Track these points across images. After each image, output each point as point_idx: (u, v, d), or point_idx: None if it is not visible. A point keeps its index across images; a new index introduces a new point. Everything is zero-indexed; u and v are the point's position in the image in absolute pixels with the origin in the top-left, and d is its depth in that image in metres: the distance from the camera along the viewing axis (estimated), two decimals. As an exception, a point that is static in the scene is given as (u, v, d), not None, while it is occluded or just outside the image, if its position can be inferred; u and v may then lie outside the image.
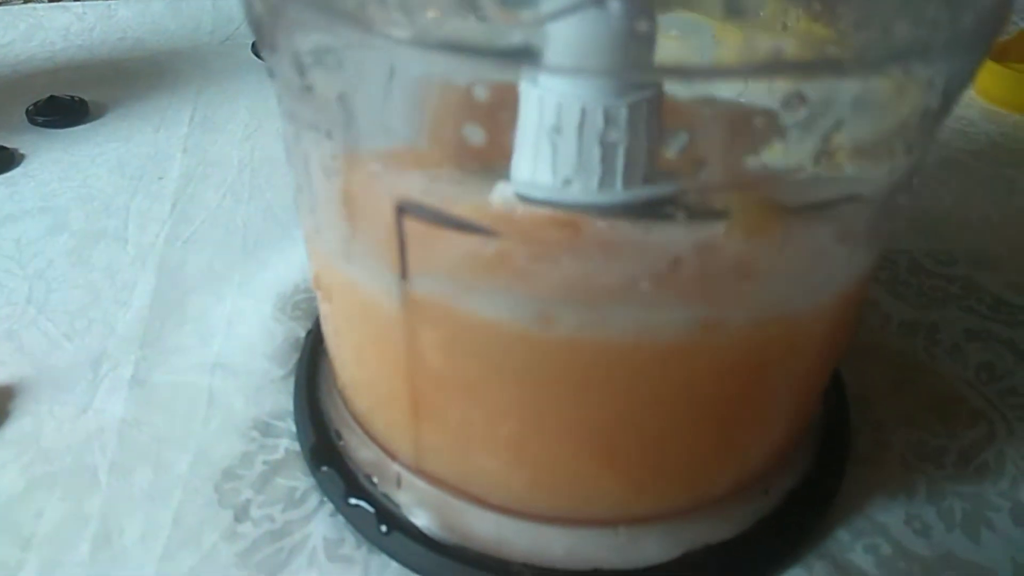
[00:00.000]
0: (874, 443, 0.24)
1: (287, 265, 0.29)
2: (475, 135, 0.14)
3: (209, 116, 0.39)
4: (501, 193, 0.14)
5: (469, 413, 0.18)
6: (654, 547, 0.19)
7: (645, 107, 0.14)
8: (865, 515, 0.22)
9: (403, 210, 0.15)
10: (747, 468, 0.20)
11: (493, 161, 0.16)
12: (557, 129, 0.14)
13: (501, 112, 0.15)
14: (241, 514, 0.21)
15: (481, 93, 0.14)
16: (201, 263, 0.30)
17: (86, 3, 0.50)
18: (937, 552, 0.21)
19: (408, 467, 0.20)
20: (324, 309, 0.20)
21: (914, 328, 0.28)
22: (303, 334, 0.26)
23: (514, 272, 0.15)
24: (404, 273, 0.16)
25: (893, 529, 0.21)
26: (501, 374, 0.17)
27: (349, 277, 0.17)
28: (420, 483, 0.20)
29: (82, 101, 0.39)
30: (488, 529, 0.20)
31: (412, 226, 0.15)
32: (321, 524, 0.21)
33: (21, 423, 0.23)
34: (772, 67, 0.12)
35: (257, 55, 0.44)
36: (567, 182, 0.14)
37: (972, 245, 0.32)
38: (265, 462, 0.23)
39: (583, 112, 0.14)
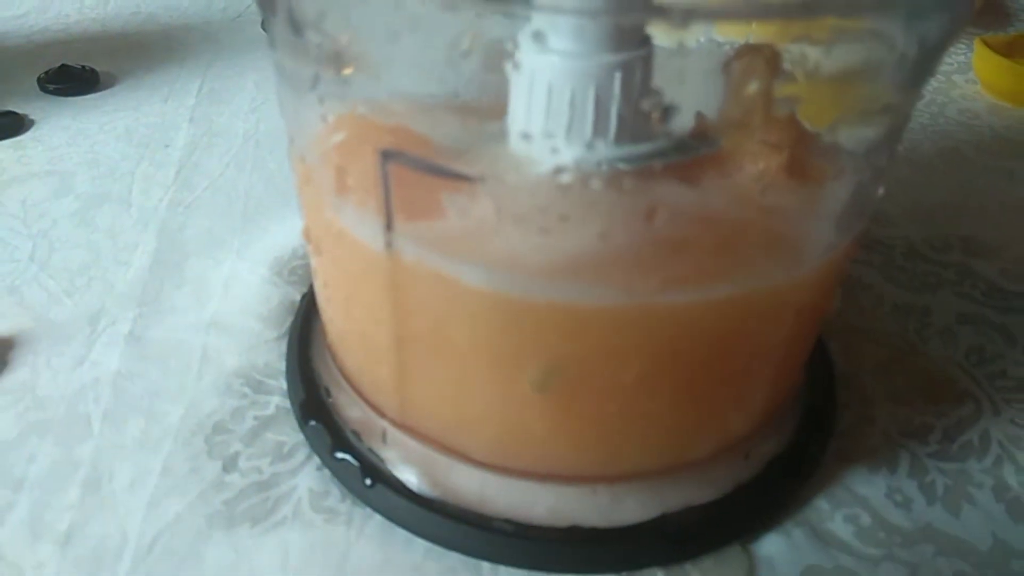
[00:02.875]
0: (860, 418, 0.24)
1: (286, 232, 0.30)
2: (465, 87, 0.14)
3: (217, 89, 0.40)
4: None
5: (453, 368, 0.18)
6: (633, 506, 0.20)
7: (639, 65, 0.15)
8: (846, 487, 0.22)
9: (388, 156, 0.15)
10: (727, 432, 0.20)
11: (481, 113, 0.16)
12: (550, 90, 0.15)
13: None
14: (229, 465, 0.22)
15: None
16: (201, 228, 0.30)
17: (101, -23, 0.51)
18: (917, 524, 0.21)
19: (393, 422, 0.20)
20: (314, 263, 0.21)
21: (907, 311, 0.28)
22: (298, 297, 0.27)
23: (496, 225, 0.15)
24: (389, 223, 0.16)
25: (874, 501, 0.22)
26: (483, 330, 0.17)
27: (337, 227, 0.18)
28: (405, 438, 0.20)
29: (93, 71, 0.40)
30: (471, 485, 0.20)
31: (396, 172, 0.15)
32: (307, 477, 0.21)
33: (19, 373, 0.24)
34: (758, 9, 0.12)
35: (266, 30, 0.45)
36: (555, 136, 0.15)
37: (969, 233, 0.32)
38: (255, 417, 0.23)
39: (575, 72, 0.14)
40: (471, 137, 0.16)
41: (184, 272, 0.28)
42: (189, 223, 0.30)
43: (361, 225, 0.17)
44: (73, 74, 0.39)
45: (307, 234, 0.20)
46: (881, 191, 0.19)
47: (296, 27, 0.15)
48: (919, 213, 0.33)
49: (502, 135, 0.16)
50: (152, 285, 0.27)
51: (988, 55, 0.42)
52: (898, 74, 0.14)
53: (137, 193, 0.32)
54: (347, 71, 0.16)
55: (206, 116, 0.37)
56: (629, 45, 0.14)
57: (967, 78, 0.44)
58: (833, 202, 0.17)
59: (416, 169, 0.15)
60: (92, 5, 0.48)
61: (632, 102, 0.15)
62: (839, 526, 0.21)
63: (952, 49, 0.47)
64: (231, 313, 0.26)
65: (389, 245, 0.16)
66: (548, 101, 0.15)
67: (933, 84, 0.44)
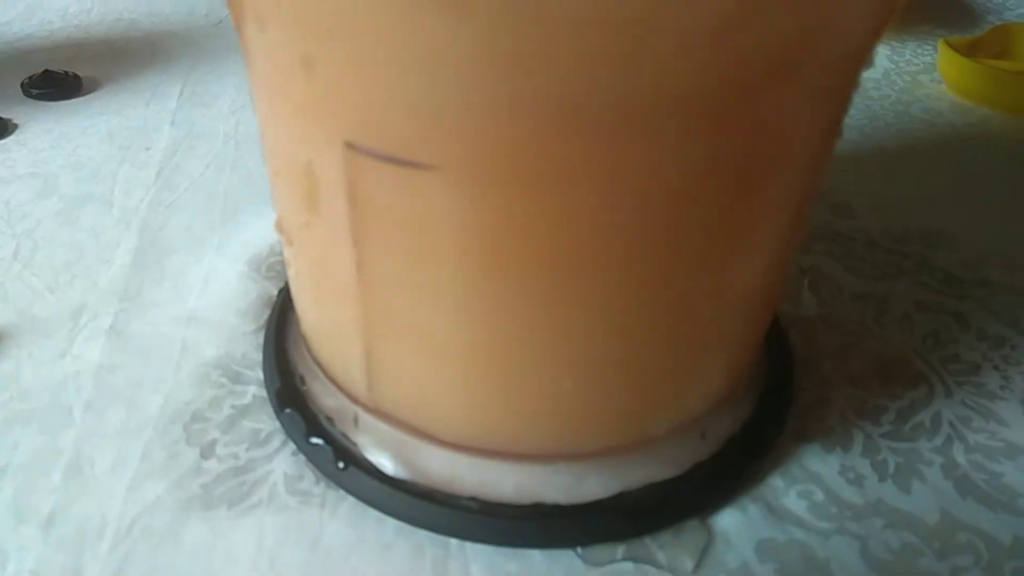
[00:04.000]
0: (817, 400, 0.25)
1: (264, 230, 0.30)
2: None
3: (199, 92, 0.40)
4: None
5: (419, 351, 0.19)
6: (593, 483, 0.20)
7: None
8: (801, 465, 0.23)
9: (350, 147, 0.16)
10: (684, 412, 0.21)
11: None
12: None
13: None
14: (207, 451, 0.22)
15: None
16: (182, 226, 0.31)
17: (84, -15, 0.52)
18: (868, 500, 0.22)
19: (364, 407, 0.21)
20: (287, 254, 0.21)
21: (866, 299, 0.29)
22: (275, 292, 0.27)
23: (456, 211, 0.16)
24: (353, 210, 0.17)
25: (827, 478, 0.23)
26: (447, 313, 0.18)
27: (305, 217, 0.18)
28: (376, 422, 0.21)
29: (76, 76, 0.40)
30: (441, 465, 0.21)
31: (359, 163, 0.16)
32: (283, 462, 0.22)
33: (3, 365, 0.25)
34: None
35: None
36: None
37: (929, 225, 0.33)
38: (233, 406, 0.24)
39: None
40: (436, 129, 0.17)
41: (164, 269, 0.29)
42: (170, 222, 0.31)
43: (327, 215, 0.18)
44: (56, 79, 0.40)
45: (279, 226, 0.20)
46: (824, 179, 0.20)
47: (262, 24, 0.16)
48: (881, 207, 0.34)
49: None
50: (133, 281, 0.28)
51: (952, 56, 0.44)
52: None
53: (119, 194, 0.33)
54: (313, 67, 0.16)
55: (187, 119, 0.38)
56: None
57: (932, 78, 0.46)
58: (775, 186, 0.18)
59: (378, 159, 0.16)
60: (75, 12, 0.49)
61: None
62: (793, 502, 0.22)
63: (918, 50, 0.49)
64: (210, 307, 0.27)
65: (354, 233, 0.17)
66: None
67: (899, 84, 0.45)
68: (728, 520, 0.21)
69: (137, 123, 0.38)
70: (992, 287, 0.30)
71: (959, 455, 0.24)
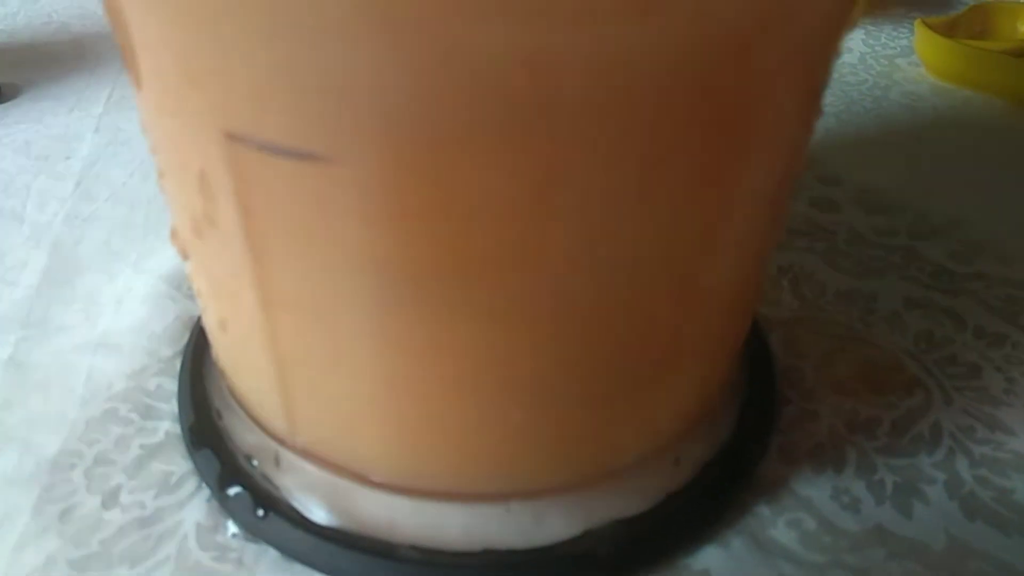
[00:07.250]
0: (803, 414, 0.22)
1: (190, 242, 0.28)
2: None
3: (127, 96, 0.37)
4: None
5: (335, 371, 0.16)
6: (552, 524, 0.18)
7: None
8: (789, 489, 0.20)
9: (233, 138, 0.13)
10: (653, 436, 0.18)
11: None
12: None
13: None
14: (110, 500, 0.19)
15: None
16: (98, 241, 0.28)
17: (11, -11, 0.49)
18: (865, 527, 0.20)
19: (285, 444, 0.18)
20: (187, 269, 0.19)
21: (851, 298, 0.27)
22: (197, 312, 0.24)
23: (362, 216, 0.13)
24: (245, 215, 0.14)
25: (818, 503, 0.20)
26: (364, 336, 0.15)
27: (197, 224, 0.16)
28: (300, 462, 0.18)
29: (-7, 82, 0.37)
30: (377, 510, 0.18)
31: (245, 156, 0.13)
32: (195, 510, 0.19)
33: None
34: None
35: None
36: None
37: (915, 216, 0.31)
38: (142, 446, 0.21)
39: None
40: (334, 111, 0.14)
41: (75, 289, 0.26)
42: (86, 237, 0.28)
43: (218, 219, 0.15)
44: (-30, 87, 0.36)
45: (174, 236, 0.18)
46: (803, 164, 0.17)
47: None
48: (863, 198, 0.32)
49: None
50: (39, 305, 0.25)
51: (930, 36, 0.42)
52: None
53: (32, 208, 0.30)
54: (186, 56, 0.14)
55: (113, 124, 0.35)
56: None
57: (910, 61, 0.44)
58: (746, 170, 0.15)
59: (266, 152, 0.13)
60: (1, 17, 0.46)
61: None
62: (781, 532, 0.19)
63: (894, 33, 0.46)
64: (122, 332, 0.24)
65: (248, 240, 0.14)
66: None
67: (876, 68, 0.43)
68: (709, 558, 0.19)
69: (58, 131, 0.35)
70: (987, 280, 0.28)
71: (963, 471, 0.21)
